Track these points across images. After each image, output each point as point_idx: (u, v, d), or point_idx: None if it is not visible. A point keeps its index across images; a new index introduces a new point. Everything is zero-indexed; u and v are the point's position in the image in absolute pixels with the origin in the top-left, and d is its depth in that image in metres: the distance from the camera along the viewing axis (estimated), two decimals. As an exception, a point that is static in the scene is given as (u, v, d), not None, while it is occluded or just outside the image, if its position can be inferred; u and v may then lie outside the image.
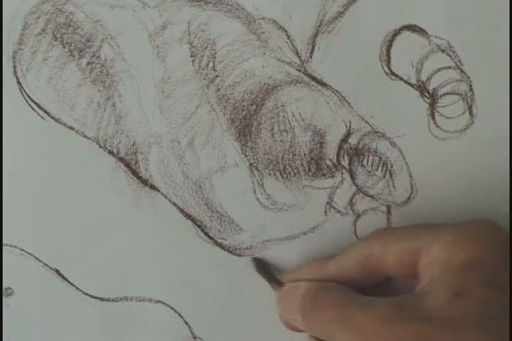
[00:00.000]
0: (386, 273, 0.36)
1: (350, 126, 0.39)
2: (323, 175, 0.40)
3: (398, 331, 0.31)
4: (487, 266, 0.32)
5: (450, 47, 0.38)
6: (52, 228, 0.40)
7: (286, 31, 0.38)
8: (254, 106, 0.39)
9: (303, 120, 0.39)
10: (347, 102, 0.39)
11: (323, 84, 0.39)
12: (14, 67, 0.39)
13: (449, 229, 0.34)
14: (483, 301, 0.31)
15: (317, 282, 0.36)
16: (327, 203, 0.40)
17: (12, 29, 0.38)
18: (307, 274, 0.38)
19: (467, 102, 0.39)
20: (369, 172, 0.39)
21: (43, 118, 0.39)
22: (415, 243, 0.34)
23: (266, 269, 0.40)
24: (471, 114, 0.39)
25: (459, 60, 0.38)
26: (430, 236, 0.34)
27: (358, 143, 0.39)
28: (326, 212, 0.40)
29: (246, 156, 0.39)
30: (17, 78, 0.39)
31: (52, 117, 0.39)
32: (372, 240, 0.36)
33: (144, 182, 0.40)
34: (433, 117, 0.39)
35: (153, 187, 0.40)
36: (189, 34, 0.38)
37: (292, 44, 0.38)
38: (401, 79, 0.39)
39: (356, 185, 0.40)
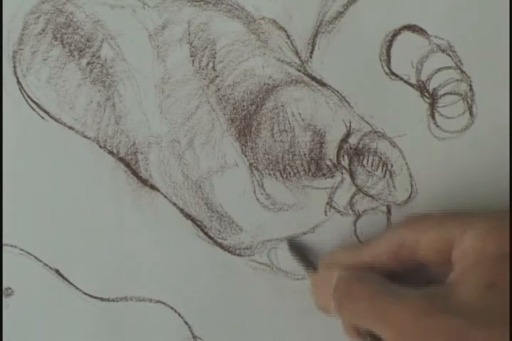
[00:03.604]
0: (419, 261, 0.36)
1: (350, 126, 0.39)
2: (323, 175, 0.40)
3: (430, 323, 0.31)
4: None
5: (450, 47, 0.38)
6: (52, 228, 0.40)
7: (286, 31, 0.38)
8: (254, 106, 0.39)
9: (303, 120, 0.39)
10: (347, 102, 0.39)
11: (323, 84, 0.39)
12: (14, 67, 0.39)
13: (482, 218, 0.34)
14: None
15: (350, 271, 0.36)
16: (327, 203, 0.40)
17: (12, 29, 0.38)
18: (342, 260, 0.38)
19: (467, 102, 0.39)
20: (369, 172, 0.39)
21: (43, 118, 0.39)
22: (448, 232, 0.34)
23: (301, 252, 0.40)
24: (471, 114, 0.39)
25: (459, 60, 0.38)
26: (463, 225, 0.34)
27: (358, 143, 0.39)
28: (326, 212, 0.40)
29: (246, 156, 0.39)
30: (17, 78, 0.39)
31: (52, 117, 0.39)
32: (406, 227, 0.36)
33: (144, 182, 0.40)
34: (433, 117, 0.39)
35: (153, 187, 0.40)
36: (189, 34, 0.38)
37: (292, 44, 0.38)
38: (401, 79, 0.39)
39: (356, 185, 0.40)
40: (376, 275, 0.36)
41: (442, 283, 0.34)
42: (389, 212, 0.40)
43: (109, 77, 0.39)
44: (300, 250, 0.40)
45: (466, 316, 0.31)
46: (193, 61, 0.39)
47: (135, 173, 0.40)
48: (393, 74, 0.39)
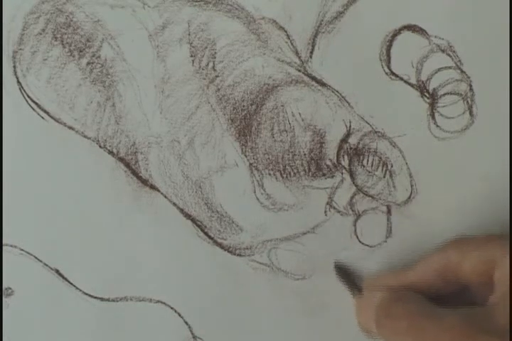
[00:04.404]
0: (463, 282, 0.36)
1: (350, 126, 0.39)
2: (323, 175, 0.40)
3: None
4: None
5: (450, 47, 0.38)
6: (52, 228, 0.40)
7: (286, 31, 0.38)
8: (254, 106, 0.39)
9: (303, 120, 0.39)
10: (347, 102, 0.39)
11: (323, 84, 0.39)
12: (14, 67, 0.39)
13: None
14: None
15: (393, 291, 0.37)
16: (327, 203, 0.40)
17: (12, 29, 0.38)
18: (387, 282, 0.38)
19: (467, 102, 0.39)
20: (369, 172, 0.39)
21: (42, 118, 0.39)
22: (491, 253, 0.34)
23: (347, 275, 0.40)
24: (471, 114, 0.39)
25: (459, 60, 0.38)
26: (505, 248, 0.34)
27: (358, 143, 0.39)
28: (326, 212, 0.40)
29: (246, 156, 0.39)
30: (17, 78, 0.39)
31: (52, 117, 0.39)
32: (450, 248, 0.36)
33: (144, 182, 0.40)
34: (433, 117, 0.39)
35: (153, 187, 0.40)
36: (189, 34, 0.38)
37: (292, 44, 0.38)
38: (401, 79, 0.39)
39: (356, 185, 0.40)
40: (418, 295, 0.36)
41: (483, 305, 0.34)
42: (389, 212, 0.40)
43: (109, 77, 0.39)
44: (346, 273, 0.40)
45: (504, 338, 0.31)
46: (193, 61, 0.39)
47: (135, 173, 0.40)
48: (393, 74, 0.39)
